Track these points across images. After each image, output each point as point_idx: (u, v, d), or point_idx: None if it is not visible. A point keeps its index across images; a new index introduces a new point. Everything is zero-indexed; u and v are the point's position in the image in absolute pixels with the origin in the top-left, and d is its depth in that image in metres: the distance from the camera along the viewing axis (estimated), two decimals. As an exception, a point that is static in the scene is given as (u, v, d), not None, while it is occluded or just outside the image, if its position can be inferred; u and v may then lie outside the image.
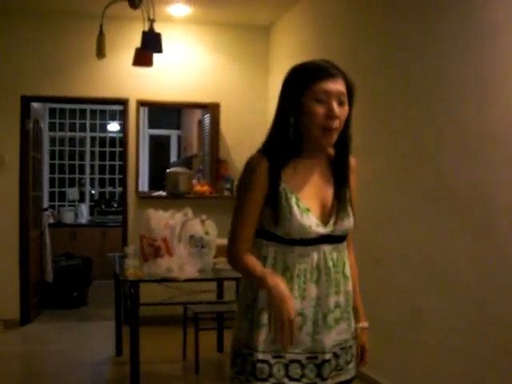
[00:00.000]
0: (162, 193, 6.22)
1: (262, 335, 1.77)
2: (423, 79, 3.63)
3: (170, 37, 5.80)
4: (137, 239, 4.14)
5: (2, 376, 4.48)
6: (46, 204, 8.69)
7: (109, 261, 4.88)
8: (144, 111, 8.99)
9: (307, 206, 1.80)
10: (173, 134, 9.88)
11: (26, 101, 5.91)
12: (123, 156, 6.25)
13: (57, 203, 9.34)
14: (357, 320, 1.97)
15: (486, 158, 3.08)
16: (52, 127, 9.39)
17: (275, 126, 1.84)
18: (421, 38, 3.67)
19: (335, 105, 1.75)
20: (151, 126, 9.62)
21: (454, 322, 3.33)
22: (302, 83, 1.77)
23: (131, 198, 6.13)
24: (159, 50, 4.74)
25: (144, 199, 6.14)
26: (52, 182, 9.41)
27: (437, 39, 3.49)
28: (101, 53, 4.78)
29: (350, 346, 1.92)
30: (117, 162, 9.53)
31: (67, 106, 9.31)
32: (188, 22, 6.12)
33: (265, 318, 1.76)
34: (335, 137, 1.79)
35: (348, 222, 1.86)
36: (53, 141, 9.45)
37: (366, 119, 4.34)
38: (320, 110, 1.74)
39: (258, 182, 1.78)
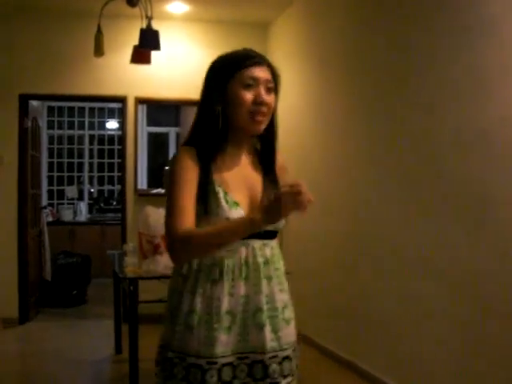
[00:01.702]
0: (161, 190, 6.22)
1: (194, 339, 1.68)
2: (419, 76, 3.63)
3: (167, 34, 5.78)
4: (136, 237, 4.14)
5: (1, 375, 4.47)
6: (44, 202, 8.68)
7: (108, 258, 4.87)
8: (142, 109, 8.97)
9: (236, 199, 1.72)
10: (171, 131, 9.86)
11: (24, 99, 5.90)
12: (122, 154, 6.24)
13: (55, 201, 9.34)
14: None
15: (480, 151, 3.09)
16: (50, 125, 9.39)
17: (200, 117, 1.78)
18: (416, 35, 3.66)
19: (263, 91, 1.72)
20: (150, 123, 9.60)
21: (444, 309, 3.35)
22: (229, 71, 1.73)
23: (130, 196, 6.13)
24: (157, 48, 4.74)
25: (143, 196, 6.14)
26: (50, 180, 9.41)
27: (430, 35, 3.49)
28: (99, 51, 4.78)
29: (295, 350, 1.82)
30: (115, 160, 9.53)
31: (66, 104, 9.31)
32: (186, 19, 6.11)
33: (193, 320, 1.69)
34: (264, 124, 1.75)
35: None
36: (51, 139, 9.45)
37: (364, 114, 4.35)
38: (248, 96, 1.71)
39: (189, 167, 1.69)
